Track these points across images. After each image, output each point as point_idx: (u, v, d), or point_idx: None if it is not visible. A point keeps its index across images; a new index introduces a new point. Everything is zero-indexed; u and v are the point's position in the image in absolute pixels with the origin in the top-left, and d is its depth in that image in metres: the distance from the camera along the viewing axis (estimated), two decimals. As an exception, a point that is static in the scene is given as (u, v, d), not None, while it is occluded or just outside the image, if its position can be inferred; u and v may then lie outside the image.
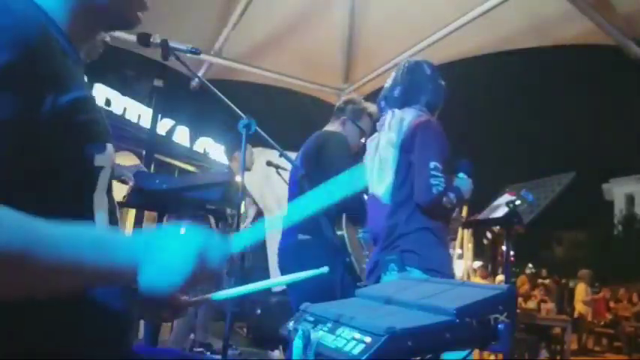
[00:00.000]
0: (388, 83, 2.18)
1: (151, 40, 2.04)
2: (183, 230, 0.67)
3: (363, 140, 2.25)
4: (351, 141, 2.62)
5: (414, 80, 2.10)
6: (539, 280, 10.71)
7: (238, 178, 3.61)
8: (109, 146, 0.77)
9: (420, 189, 1.88)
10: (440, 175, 1.85)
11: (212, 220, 3.41)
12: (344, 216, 2.53)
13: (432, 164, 1.86)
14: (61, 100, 0.66)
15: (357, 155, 2.59)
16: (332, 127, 2.73)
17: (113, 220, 0.80)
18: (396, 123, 2.01)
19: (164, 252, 0.64)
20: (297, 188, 2.61)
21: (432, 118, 2.04)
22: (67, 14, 0.76)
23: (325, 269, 0.93)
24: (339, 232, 2.50)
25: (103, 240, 0.64)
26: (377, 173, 2.05)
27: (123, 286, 0.65)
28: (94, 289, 0.65)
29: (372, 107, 2.67)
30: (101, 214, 0.76)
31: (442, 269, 1.84)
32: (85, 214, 0.74)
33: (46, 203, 0.66)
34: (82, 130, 0.71)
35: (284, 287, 5.61)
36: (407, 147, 1.96)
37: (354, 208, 2.36)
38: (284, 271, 2.54)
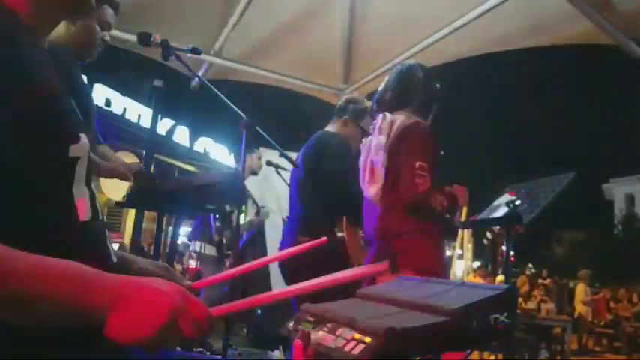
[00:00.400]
0: (381, 87, 2.20)
1: (151, 40, 2.04)
2: (164, 286, 0.64)
3: (365, 141, 2.27)
4: (352, 142, 2.62)
5: (405, 84, 2.12)
6: (540, 280, 10.71)
7: (245, 182, 3.62)
8: (83, 136, 0.77)
9: (404, 187, 1.89)
10: (425, 174, 1.86)
11: (212, 221, 3.41)
12: (345, 218, 2.53)
13: (417, 164, 1.87)
14: (30, 93, 0.66)
15: (358, 156, 2.60)
16: (333, 127, 2.72)
17: (95, 212, 0.80)
18: (386, 127, 2.04)
19: (137, 303, 0.62)
20: (297, 189, 2.61)
21: (422, 120, 2.06)
22: (28, 4, 0.76)
23: (323, 239, 0.94)
24: (339, 234, 2.49)
25: (79, 276, 0.62)
26: (368, 176, 2.08)
27: (91, 325, 0.62)
28: (63, 323, 0.63)
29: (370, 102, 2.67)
30: (82, 207, 0.76)
31: (435, 270, 1.83)
32: (65, 206, 0.74)
33: (25, 197, 0.66)
34: (53, 122, 0.71)
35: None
36: (395, 149, 1.98)
37: (355, 209, 2.36)
38: (284, 272, 2.53)
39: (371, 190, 2.06)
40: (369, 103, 2.73)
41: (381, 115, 2.12)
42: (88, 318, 0.61)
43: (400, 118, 2.03)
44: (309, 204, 2.50)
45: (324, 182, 2.42)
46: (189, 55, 2.14)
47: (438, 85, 2.16)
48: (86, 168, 0.79)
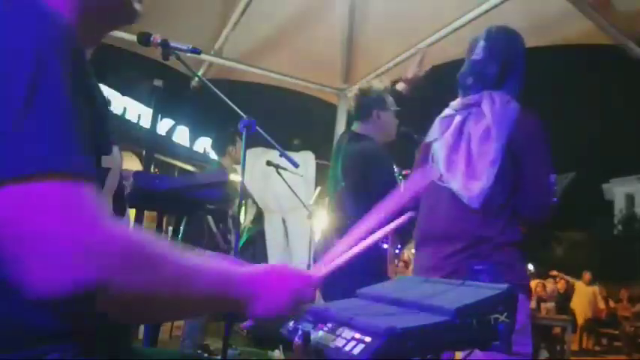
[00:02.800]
0: (478, 56, 1.83)
1: (151, 39, 2.04)
2: (285, 270, 0.79)
3: (447, 111, 1.93)
4: (389, 129, 2.50)
5: (512, 56, 1.80)
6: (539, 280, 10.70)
7: (233, 176, 3.60)
8: (116, 148, 0.75)
9: (541, 206, 1.68)
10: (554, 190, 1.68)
11: (211, 221, 3.40)
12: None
13: (552, 178, 1.67)
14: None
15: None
16: (368, 128, 2.50)
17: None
18: (496, 111, 1.68)
19: (270, 291, 0.76)
20: (337, 200, 2.45)
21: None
22: (76, 19, 0.74)
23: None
24: (385, 246, 2.40)
25: (227, 274, 0.73)
26: (464, 166, 1.69)
27: (230, 313, 0.79)
28: (201, 313, 0.77)
29: (381, 83, 2.56)
30: None
31: (529, 287, 1.72)
32: None
33: None
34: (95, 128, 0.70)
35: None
36: (515, 147, 1.65)
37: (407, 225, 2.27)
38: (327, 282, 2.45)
39: (468, 186, 1.66)
40: (376, 84, 2.57)
41: (486, 95, 1.73)
42: (231, 308, 0.75)
43: (512, 105, 1.70)
44: (356, 216, 2.38)
45: (373, 195, 2.30)
46: (189, 54, 2.14)
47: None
48: (117, 183, 0.77)
